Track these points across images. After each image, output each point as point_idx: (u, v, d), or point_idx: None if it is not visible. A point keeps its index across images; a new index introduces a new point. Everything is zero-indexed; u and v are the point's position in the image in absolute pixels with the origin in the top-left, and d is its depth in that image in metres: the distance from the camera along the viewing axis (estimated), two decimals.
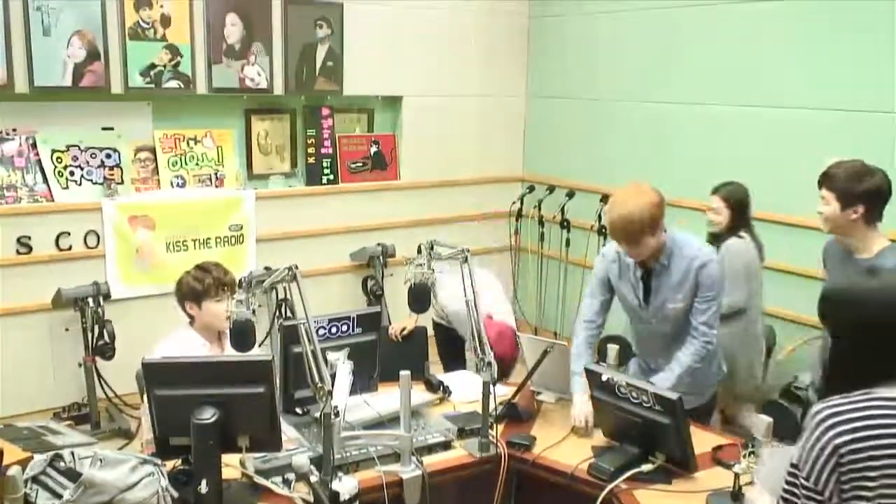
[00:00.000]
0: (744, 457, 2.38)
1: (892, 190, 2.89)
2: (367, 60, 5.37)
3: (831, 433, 1.77)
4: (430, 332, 4.24)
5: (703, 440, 2.72)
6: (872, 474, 1.75)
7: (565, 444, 2.79)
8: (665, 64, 5.16)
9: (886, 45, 3.88)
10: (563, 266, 5.84)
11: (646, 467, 2.54)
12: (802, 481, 1.81)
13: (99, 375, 4.44)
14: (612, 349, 3.02)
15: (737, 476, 2.38)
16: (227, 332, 2.53)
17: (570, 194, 5.70)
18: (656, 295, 2.96)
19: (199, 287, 3.02)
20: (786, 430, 2.42)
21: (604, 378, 2.67)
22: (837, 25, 4.24)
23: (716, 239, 3.85)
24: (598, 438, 2.79)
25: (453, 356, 4.04)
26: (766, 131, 4.59)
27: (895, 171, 3.62)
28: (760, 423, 2.36)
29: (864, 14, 4.07)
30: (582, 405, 2.89)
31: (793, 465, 1.84)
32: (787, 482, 1.86)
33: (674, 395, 2.48)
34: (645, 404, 2.54)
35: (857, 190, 2.81)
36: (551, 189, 5.90)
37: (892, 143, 3.87)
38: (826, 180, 2.90)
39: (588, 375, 2.77)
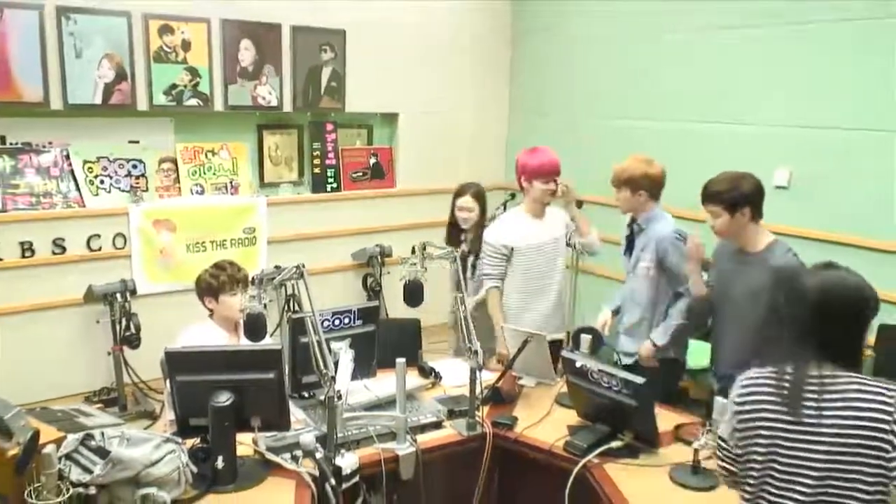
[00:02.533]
0: (702, 434, 2.39)
1: (764, 189, 2.90)
2: (367, 81, 5.37)
3: (733, 393, 1.88)
4: (423, 324, 4.23)
5: (666, 419, 2.73)
6: (762, 436, 1.81)
7: (544, 424, 2.80)
8: (637, 84, 5.17)
9: (886, 65, 3.84)
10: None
11: (615, 444, 2.55)
12: (718, 433, 1.98)
13: (126, 363, 4.42)
14: (585, 339, 3.02)
15: (696, 451, 2.39)
16: (242, 323, 2.52)
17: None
18: (634, 251, 3.32)
19: (215, 283, 3.02)
20: None
21: (578, 364, 2.67)
22: (822, 47, 4.24)
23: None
24: (573, 418, 2.79)
25: None
26: (743, 147, 4.59)
27: None
28: (717, 403, 2.37)
29: (861, 34, 3.98)
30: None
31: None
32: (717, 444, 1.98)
33: (639, 380, 2.48)
34: (614, 388, 2.54)
35: (740, 194, 2.82)
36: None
37: (891, 161, 3.85)
38: (709, 197, 2.89)
39: (563, 362, 2.77)
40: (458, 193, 4.04)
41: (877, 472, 1.72)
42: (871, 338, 3.93)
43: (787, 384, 1.80)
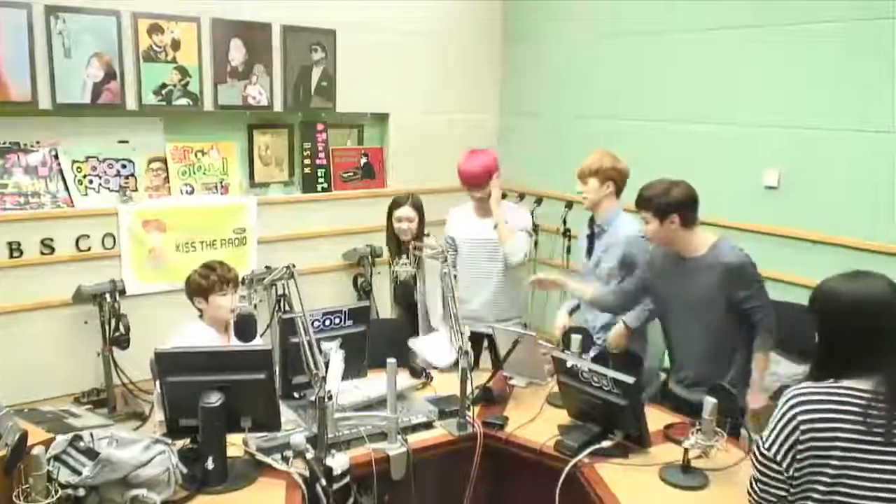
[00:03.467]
0: (692, 434, 2.40)
1: (697, 196, 2.87)
2: (358, 81, 5.36)
3: (796, 409, 1.79)
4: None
5: (656, 419, 2.73)
6: (832, 460, 1.75)
7: (535, 424, 2.80)
8: (628, 85, 5.19)
9: (876, 67, 3.85)
10: (531, 265, 5.84)
11: (605, 444, 2.55)
12: (763, 450, 1.84)
13: (115, 364, 4.40)
14: (576, 339, 3.02)
15: (686, 451, 2.40)
16: (232, 323, 2.51)
17: (539, 201, 5.71)
18: (595, 252, 3.38)
19: (204, 283, 3.01)
20: (728, 411, 2.44)
21: (568, 364, 2.68)
22: (818, 48, 4.27)
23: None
24: (564, 418, 2.79)
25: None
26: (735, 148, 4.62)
27: None
28: (707, 403, 2.37)
29: (850, 35, 3.99)
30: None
31: (760, 439, 1.87)
32: (755, 458, 1.88)
33: (630, 380, 2.49)
34: (605, 388, 2.55)
35: (668, 202, 2.80)
36: (521, 196, 5.91)
37: (881, 162, 3.87)
38: (642, 203, 2.88)
39: (554, 362, 2.78)
40: (396, 204, 3.90)
41: None
42: None
43: (870, 403, 1.76)
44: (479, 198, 3.64)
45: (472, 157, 3.68)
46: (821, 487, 1.77)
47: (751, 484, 1.92)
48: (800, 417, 1.79)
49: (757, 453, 1.88)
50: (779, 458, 1.82)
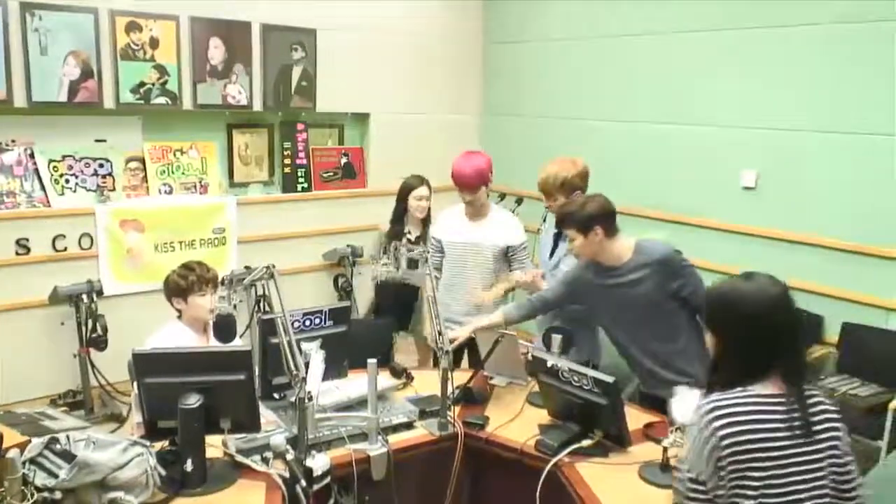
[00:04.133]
0: (671, 433, 2.41)
1: (613, 206, 2.87)
2: (338, 81, 5.35)
3: (715, 424, 1.77)
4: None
5: (635, 418, 2.75)
6: (755, 472, 1.75)
7: (515, 424, 2.80)
8: (609, 86, 5.22)
9: (854, 69, 3.91)
10: None
11: (586, 443, 2.56)
12: (687, 474, 1.82)
13: (92, 365, 4.36)
14: (556, 338, 3.03)
15: (665, 449, 2.41)
16: (212, 324, 2.49)
17: (519, 201, 5.67)
18: (557, 253, 3.35)
19: (183, 283, 2.97)
20: None
21: (549, 364, 2.68)
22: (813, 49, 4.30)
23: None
24: (544, 418, 2.80)
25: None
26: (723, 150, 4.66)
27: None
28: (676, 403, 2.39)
29: (830, 38, 4.02)
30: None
31: (682, 462, 1.85)
32: (676, 478, 1.88)
33: (609, 379, 2.50)
34: (585, 387, 2.56)
35: (587, 216, 2.82)
36: (502, 196, 5.86)
37: (858, 163, 3.92)
38: (565, 220, 2.90)
39: (535, 362, 2.78)
40: (412, 187, 4.15)
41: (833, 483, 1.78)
42: (834, 336, 4.01)
43: (786, 406, 1.77)
44: (468, 201, 3.60)
45: (466, 158, 3.61)
46: (749, 493, 1.76)
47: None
48: (720, 433, 1.77)
49: (681, 477, 1.86)
50: (703, 478, 1.80)
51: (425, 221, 4.16)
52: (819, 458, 1.79)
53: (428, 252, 2.93)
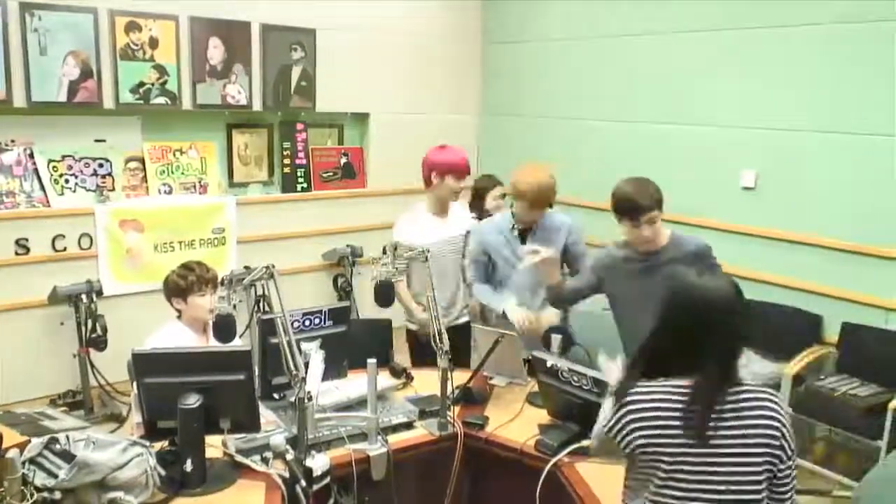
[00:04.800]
0: None
1: None
2: (338, 81, 5.35)
3: (624, 410, 1.84)
4: (394, 324, 4.22)
5: None
6: (665, 456, 1.80)
7: (515, 424, 2.80)
8: (603, 87, 5.23)
9: (854, 69, 3.92)
10: None
11: (585, 443, 2.55)
12: (603, 427, 1.93)
13: (92, 365, 4.36)
14: (556, 339, 3.03)
15: None
16: (211, 324, 2.49)
17: None
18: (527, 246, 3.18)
19: (183, 284, 2.97)
20: None
21: (548, 364, 2.69)
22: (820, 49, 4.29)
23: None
24: (544, 417, 2.80)
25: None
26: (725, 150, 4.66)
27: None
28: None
29: (830, 39, 4.04)
30: (517, 311, 3.21)
31: (602, 425, 1.94)
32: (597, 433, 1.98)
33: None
34: (584, 387, 2.56)
35: (660, 198, 2.82)
36: (502, 196, 5.92)
37: (856, 163, 3.93)
38: (649, 206, 2.78)
39: (534, 362, 2.79)
40: (487, 187, 4.18)
41: (766, 482, 1.77)
42: (834, 336, 4.01)
43: (688, 403, 1.77)
44: (455, 190, 3.62)
45: (450, 148, 3.74)
46: (656, 480, 1.82)
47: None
48: (626, 418, 1.83)
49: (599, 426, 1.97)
50: (609, 428, 1.88)
51: None
52: (714, 461, 1.77)
53: (428, 251, 2.93)
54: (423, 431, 2.74)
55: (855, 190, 3.95)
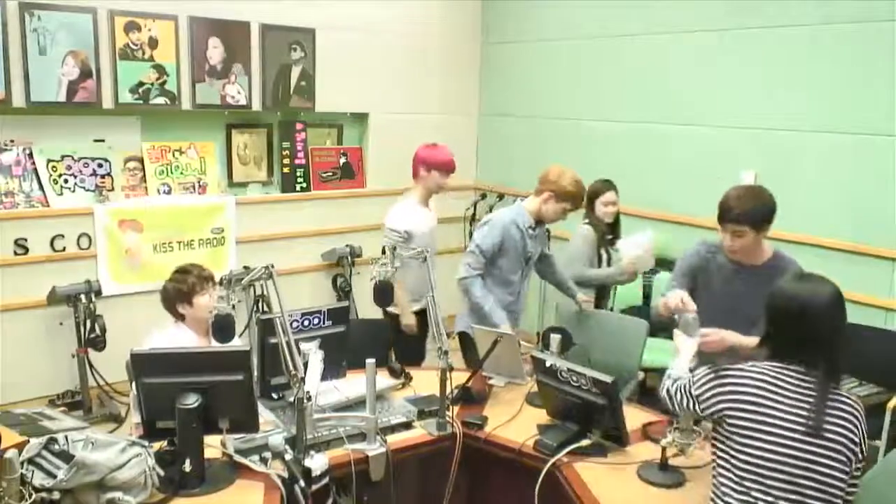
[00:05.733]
0: (669, 432, 2.42)
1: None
2: (337, 81, 5.35)
3: (723, 388, 2.03)
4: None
5: (634, 417, 2.75)
6: (745, 430, 1.96)
7: (514, 424, 2.80)
8: (603, 87, 5.23)
9: (853, 69, 3.92)
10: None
11: (584, 443, 2.56)
12: (693, 389, 2.11)
13: (91, 365, 4.36)
14: (555, 338, 3.04)
15: (664, 449, 2.42)
16: (210, 324, 2.49)
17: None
18: (534, 248, 3.55)
19: (184, 288, 2.94)
20: None
21: (547, 364, 2.68)
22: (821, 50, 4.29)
23: (614, 232, 4.19)
24: (543, 417, 2.80)
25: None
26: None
27: None
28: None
29: (830, 38, 4.03)
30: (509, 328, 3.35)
31: (692, 371, 2.14)
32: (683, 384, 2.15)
33: (608, 379, 2.50)
34: (584, 387, 2.56)
35: (765, 213, 2.68)
36: (501, 196, 5.93)
37: (856, 163, 3.93)
38: (739, 217, 2.65)
39: (533, 361, 2.79)
40: (599, 191, 4.16)
41: (842, 479, 1.91)
42: None
43: (805, 391, 1.93)
44: (441, 184, 3.94)
45: (440, 147, 4.03)
46: (735, 458, 1.97)
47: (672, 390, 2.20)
48: (720, 388, 2.02)
49: (686, 385, 2.14)
50: (701, 399, 2.07)
51: (613, 226, 4.22)
52: (819, 454, 1.90)
53: (427, 252, 2.93)
54: (421, 431, 2.74)
55: (854, 190, 3.95)
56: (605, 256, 4.11)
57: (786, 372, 1.96)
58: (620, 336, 3.69)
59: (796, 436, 1.90)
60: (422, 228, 3.88)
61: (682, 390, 2.15)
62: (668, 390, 2.23)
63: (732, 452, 1.98)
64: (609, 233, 4.17)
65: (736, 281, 2.78)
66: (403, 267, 3.62)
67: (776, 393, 1.94)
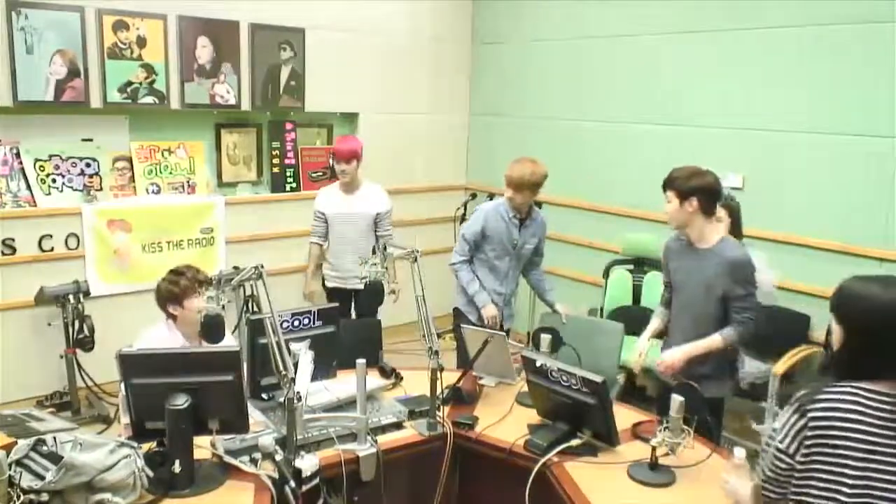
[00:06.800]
0: (659, 431, 2.43)
1: (719, 189, 2.99)
2: (327, 80, 5.34)
3: (808, 406, 1.82)
4: (384, 324, 4.22)
5: (624, 417, 2.76)
6: (850, 462, 1.77)
7: (504, 424, 2.81)
8: (592, 87, 5.24)
9: (841, 70, 3.93)
10: None
11: (575, 442, 2.57)
12: (778, 444, 1.86)
13: (79, 366, 4.33)
14: (545, 338, 3.05)
15: (653, 448, 2.43)
16: (199, 324, 2.47)
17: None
18: (523, 237, 3.80)
19: (176, 290, 2.92)
20: (694, 409, 2.47)
21: (538, 364, 2.69)
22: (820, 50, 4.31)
23: None
24: (533, 417, 2.81)
25: None
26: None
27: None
28: (674, 401, 2.41)
29: (818, 39, 4.05)
30: (493, 308, 3.77)
31: (774, 430, 1.89)
32: (767, 444, 1.90)
33: (598, 379, 2.51)
34: (574, 387, 2.56)
35: (691, 186, 2.92)
36: (491, 196, 5.91)
37: (843, 164, 3.94)
38: (668, 182, 3.00)
39: (523, 361, 2.79)
40: None
41: None
42: (821, 336, 4.04)
43: (886, 406, 1.78)
44: (340, 171, 4.32)
45: (345, 138, 4.62)
46: (845, 490, 1.78)
47: (764, 480, 1.91)
48: (811, 414, 1.80)
49: (769, 446, 1.89)
50: (791, 450, 1.83)
51: None
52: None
53: (418, 251, 2.93)
54: (412, 432, 2.74)
55: (842, 190, 3.98)
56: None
57: (878, 395, 1.81)
58: (598, 339, 3.70)
59: None
60: (330, 210, 4.36)
61: (774, 460, 1.87)
62: (764, 477, 1.92)
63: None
64: None
65: (686, 258, 3.08)
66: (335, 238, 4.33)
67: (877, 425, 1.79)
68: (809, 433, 1.80)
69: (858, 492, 1.77)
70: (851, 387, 1.82)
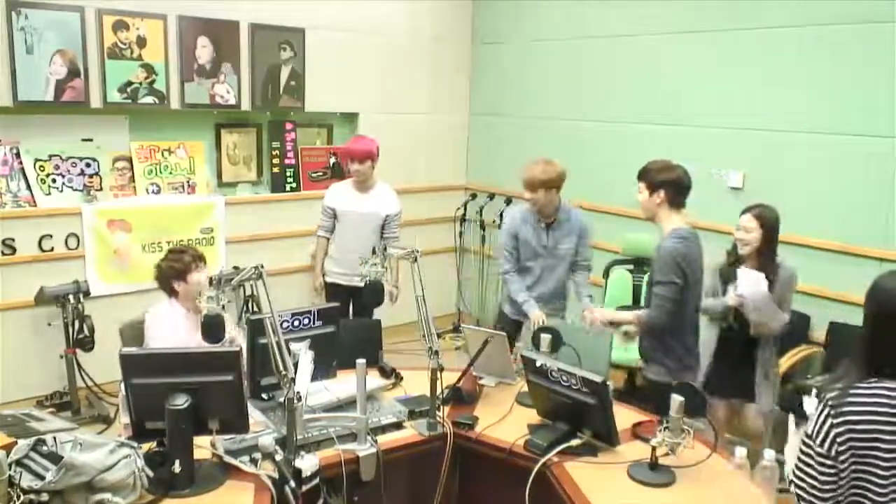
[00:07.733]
0: (659, 431, 2.43)
1: (690, 183, 3.12)
2: (327, 80, 5.35)
3: (843, 409, 1.79)
4: (384, 324, 4.21)
5: (624, 417, 2.76)
6: (879, 461, 1.77)
7: (504, 424, 2.81)
8: (592, 87, 5.24)
9: (840, 70, 3.94)
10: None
11: (575, 442, 2.57)
12: (818, 449, 1.83)
13: (79, 366, 4.33)
14: (545, 338, 3.04)
15: (654, 448, 2.42)
16: (200, 324, 2.48)
17: (508, 201, 5.74)
18: (554, 238, 3.80)
19: (180, 265, 3.17)
20: (694, 408, 2.47)
21: (538, 364, 2.69)
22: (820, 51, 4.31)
23: (738, 260, 3.48)
24: (533, 417, 2.81)
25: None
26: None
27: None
28: (674, 401, 2.40)
29: (817, 39, 4.06)
30: (538, 312, 3.72)
31: (807, 436, 1.86)
32: (802, 451, 1.87)
33: (598, 378, 2.51)
34: (574, 387, 2.56)
35: (660, 179, 3.08)
36: (491, 196, 5.94)
37: (878, 166, 3.92)
38: (641, 174, 3.15)
39: (524, 361, 2.79)
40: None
41: None
42: (821, 336, 4.04)
43: None
44: (354, 171, 4.30)
45: (357, 139, 4.52)
46: (875, 488, 1.77)
47: (798, 479, 1.88)
48: (843, 417, 1.79)
49: (803, 446, 1.87)
50: (832, 453, 1.80)
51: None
52: None
53: (418, 251, 2.93)
54: (412, 432, 2.74)
55: (842, 190, 3.98)
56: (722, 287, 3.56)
57: None
58: (586, 341, 3.68)
59: None
60: (341, 207, 4.35)
61: (816, 467, 1.83)
62: (806, 488, 1.87)
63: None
64: (735, 262, 3.51)
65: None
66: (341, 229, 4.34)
67: None
68: (843, 435, 1.78)
69: (888, 490, 1.76)
70: (880, 387, 1.81)
